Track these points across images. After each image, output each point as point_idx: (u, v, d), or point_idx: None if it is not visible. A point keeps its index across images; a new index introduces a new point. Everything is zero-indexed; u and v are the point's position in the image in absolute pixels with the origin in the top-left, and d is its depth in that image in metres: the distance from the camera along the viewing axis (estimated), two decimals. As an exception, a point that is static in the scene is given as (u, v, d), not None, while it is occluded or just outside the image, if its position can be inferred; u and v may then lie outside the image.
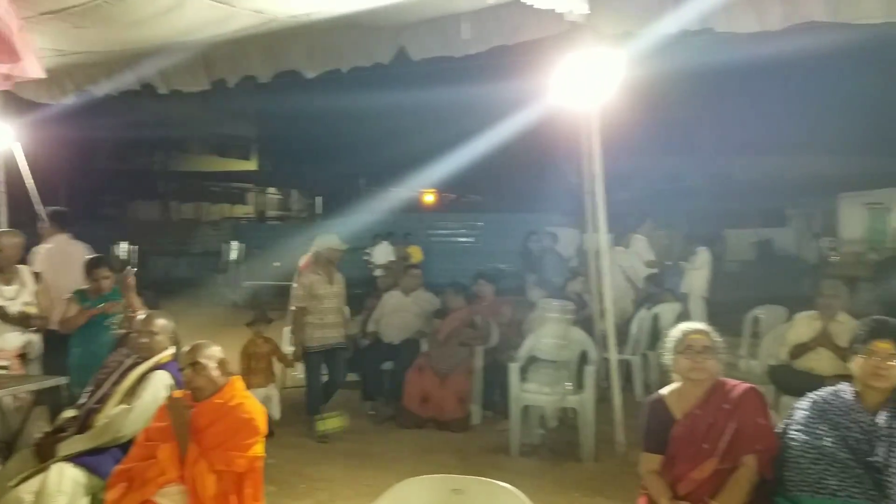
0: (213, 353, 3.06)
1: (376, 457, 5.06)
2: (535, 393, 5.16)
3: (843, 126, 21.67)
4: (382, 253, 14.21)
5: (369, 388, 6.21)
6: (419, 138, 18.13)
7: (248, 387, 5.16)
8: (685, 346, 2.82)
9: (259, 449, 2.97)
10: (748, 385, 2.81)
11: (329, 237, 5.85)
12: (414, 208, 25.41)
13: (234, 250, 17.00)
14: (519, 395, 5.11)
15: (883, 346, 2.58)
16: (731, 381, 2.83)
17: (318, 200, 29.92)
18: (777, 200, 20.63)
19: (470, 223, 19.90)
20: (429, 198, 27.21)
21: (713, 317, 10.68)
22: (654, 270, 8.49)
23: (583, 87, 4.70)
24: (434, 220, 20.12)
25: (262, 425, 3.00)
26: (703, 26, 3.93)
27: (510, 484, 2.31)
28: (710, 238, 10.57)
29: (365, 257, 14.22)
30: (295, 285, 5.82)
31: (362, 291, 8.50)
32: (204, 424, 2.97)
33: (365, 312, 6.84)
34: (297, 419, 5.74)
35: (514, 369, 5.15)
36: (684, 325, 2.96)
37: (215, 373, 3.04)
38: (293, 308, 5.72)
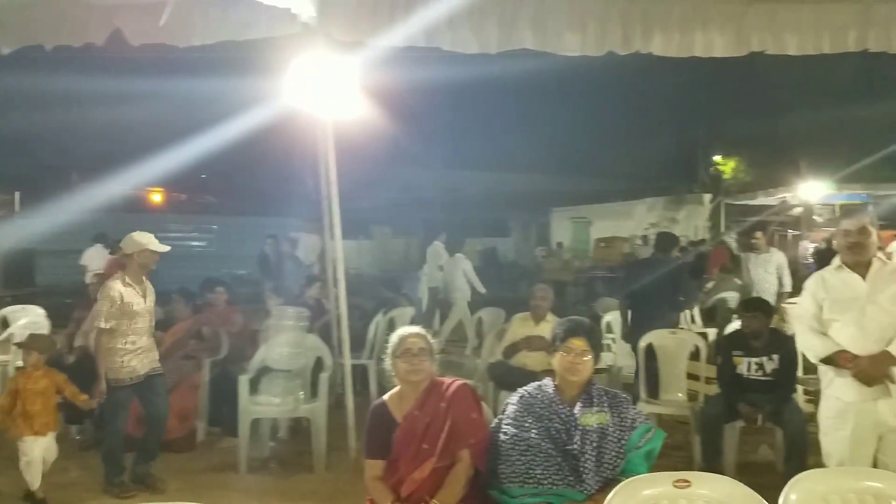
0: None
1: (80, 486, 4.50)
2: (265, 405, 5.00)
3: (556, 148, 24.57)
4: (95, 257, 12.59)
5: (74, 409, 5.48)
6: (145, 132, 16.69)
7: (20, 435, 4.07)
8: (403, 350, 2.91)
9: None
10: (461, 381, 2.98)
11: (143, 235, 4.65)
12: (138, 208, 23.32)
13: None
14: (248, 407, 4.90)
15: (577, 343, 2.90)
16: (446, 380, 2.97)
17: (18, 195, 25.98)
18: (501, 213, 22.69)
19: (203, 226, 18.82)
20: (156, 197, 25.20)
21: (445, 319, 11.36)
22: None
23: (317, 91, 4.68)
24: (162, 222, 18.65)
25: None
26: (429, 44, 4.11)
27: (237, 502, 2.17)
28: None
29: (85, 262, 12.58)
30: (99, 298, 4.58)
31: (71, 301, 7.52)
32: None
33: (73, 325, 6.08)
34: None
35: (243, 381, 4.92)
36: (402, 330, 3.05)
37: None
38: (99, 327, 4.46)
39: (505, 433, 2.84)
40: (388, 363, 2.97)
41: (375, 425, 2.90)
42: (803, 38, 4.49)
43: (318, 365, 5.30)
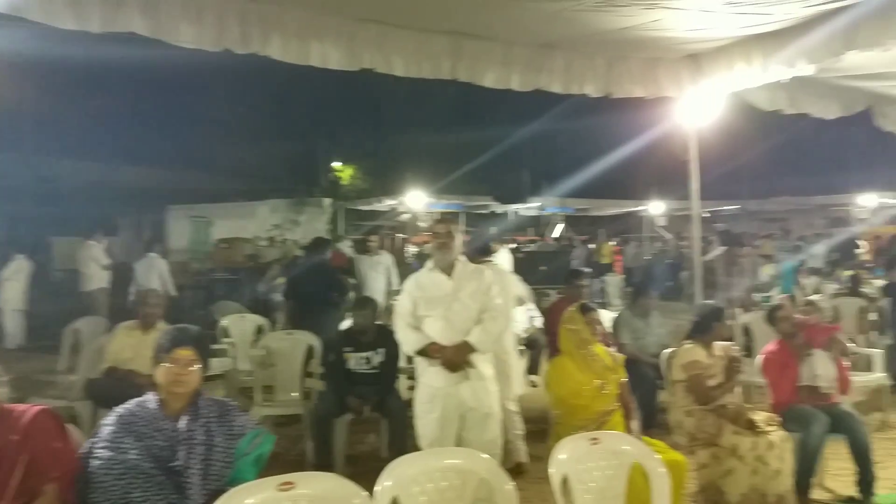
0: None
1: None
2: None
3: (173, 143, 23.25)
4: None
5: None
6: None
7: None
8: None
9: None
10: (38, 408, 2.62)
11: None
12: None
13: None
14: None
15: (184, 353, 2.75)
16: (19, 408, 2.59)
17: None
18: (106, 208, 20.50)
19: None
20: None
21: (33, 331, 9.93)
22: None
23: None
24: None
25: None
26: (12, 12, 3.54)
27: None
28: (29, 246, 9.80)
29: None
30: None
31: None
32: None
33: None
34: None
35: None
36: None
37: None
38: None
39: (98, 458, 2.56)
40: None
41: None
42: (407, 61, 5.01)
43: None
